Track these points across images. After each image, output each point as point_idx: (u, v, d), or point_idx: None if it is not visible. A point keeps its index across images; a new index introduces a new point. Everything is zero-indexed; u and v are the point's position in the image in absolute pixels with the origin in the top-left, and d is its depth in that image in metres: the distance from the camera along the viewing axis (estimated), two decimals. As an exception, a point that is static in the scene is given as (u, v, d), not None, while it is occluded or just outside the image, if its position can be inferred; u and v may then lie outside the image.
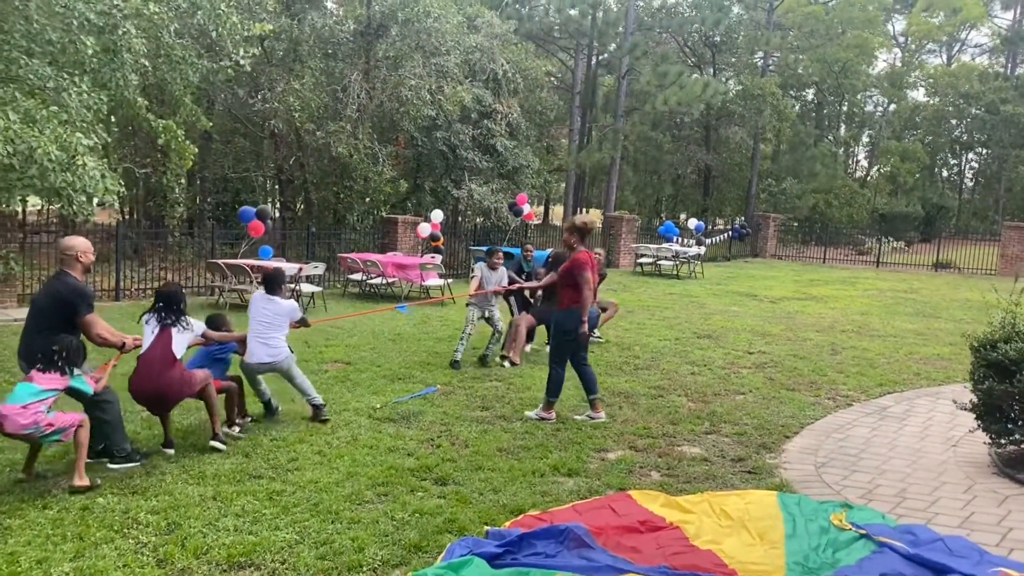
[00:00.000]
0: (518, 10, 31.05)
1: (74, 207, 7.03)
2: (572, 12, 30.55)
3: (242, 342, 6.85)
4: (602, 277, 11.00)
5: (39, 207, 25.37)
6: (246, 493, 5.29)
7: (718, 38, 36.22)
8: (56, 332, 5.45)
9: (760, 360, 10.34)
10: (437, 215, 17.47)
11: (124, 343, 5.89)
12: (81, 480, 5.27)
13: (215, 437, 6.16)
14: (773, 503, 5.03)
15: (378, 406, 7.49)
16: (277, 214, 20.01)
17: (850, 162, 47.32)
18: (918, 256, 28.44)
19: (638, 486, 5.61)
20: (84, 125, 7.58)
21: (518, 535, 4.35)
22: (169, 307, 5.98)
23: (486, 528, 4.69)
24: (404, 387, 8.31)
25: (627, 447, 6.57)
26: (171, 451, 6.04)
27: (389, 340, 10.82)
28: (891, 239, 32.36)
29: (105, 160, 7.81)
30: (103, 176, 7.28)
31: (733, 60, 38.83)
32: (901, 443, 6.84)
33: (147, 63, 9.89)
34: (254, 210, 14.40)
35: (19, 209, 19.85)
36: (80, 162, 6.78)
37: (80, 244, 5.75)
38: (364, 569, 4.31)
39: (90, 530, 4.67)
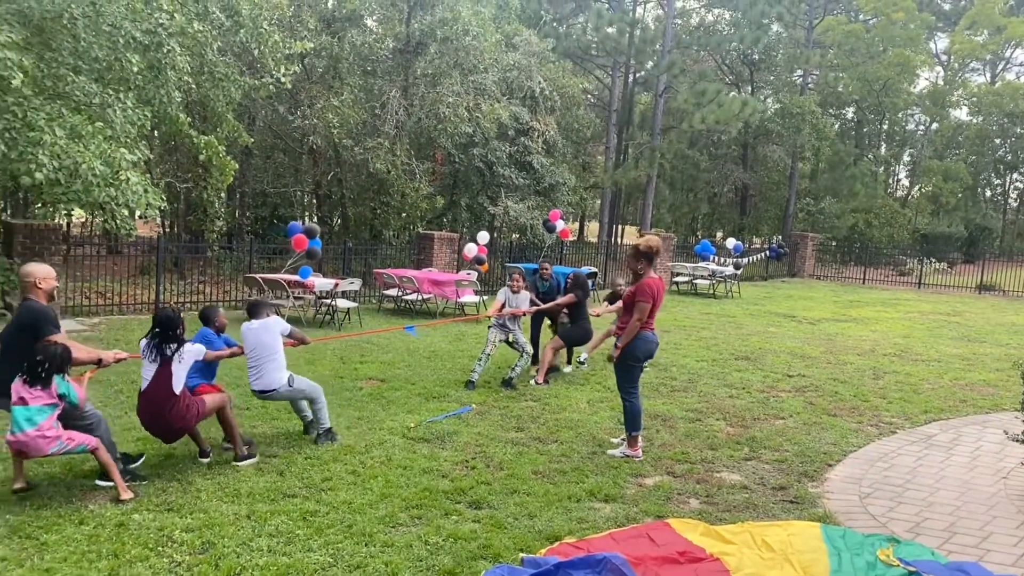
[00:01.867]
0: (556, 28, 31.12)
1: (117, 221, 7.10)
2: (610, 30, 30.51)
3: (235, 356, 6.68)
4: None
5: (83, 219, 25.87)
6: (280, 512, 5.27)
7: (757, 56, 35.96)
8: (25, 359, 5.33)
9: (800, 383, 10.14)
10: (483, 237, 17.40)
11: (100, 359, 5.84)
12: (125, 493, 5.39)
13: (238, 458, 6.17)
14: (817, 535, 4.88)
15: (412, 425, 7.44)
16: (318, 227, 20.10)
17: (891, 181, 46.59)
18: (961, 278, 27.84)
19: (676, 514, 5.49)
20: (128, 141, 7.67)
21: (554, 564, 4.25)
22: (165, 333, 5.81)
23: (521, 555, 4.61)
24: (439, 406, 8.26)
25: (665, 472, 6.45)
26: (206, 460, 6.16)
27: (424, 357, 10.79)
28: (933, 260, 31.74)
29: (148, 175, 7.87)
30: (145, 191, 7.35)
31: (772, 78, 38.54)
32: (949, 474, 6.63)
33: (190, 80, 10.00)
34: (300, 226, 14.50)
35: (63, 222, 20.26)
36: (123, 177, 6.86)
37: (38, 271, 5.65)
38: (398, 595, 4.25)
39: (125, 547, 4.67)
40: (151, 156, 11.12)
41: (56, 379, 5.32)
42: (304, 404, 6.95)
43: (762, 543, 4.77)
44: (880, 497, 5.98)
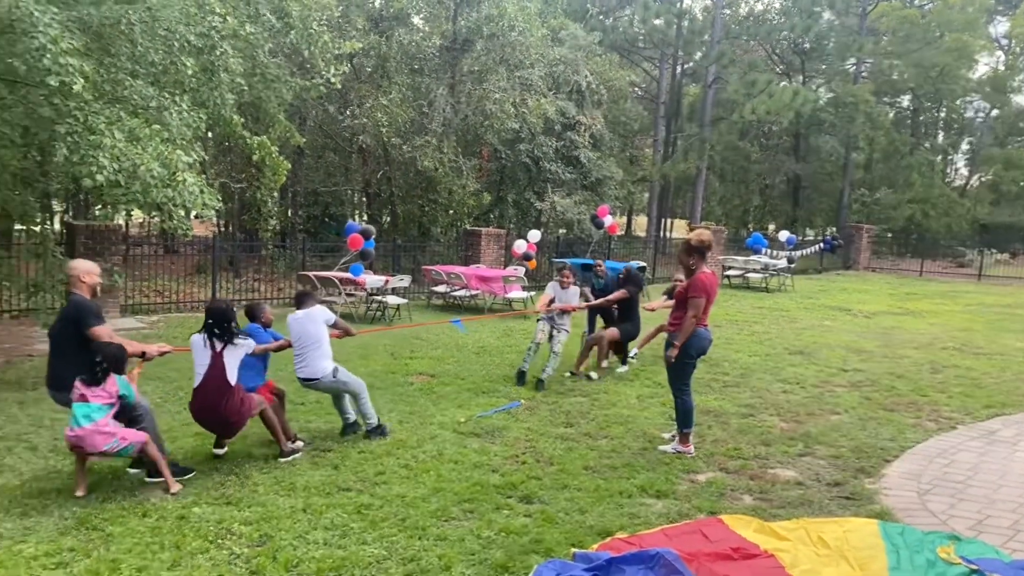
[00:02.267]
0: (602, 21, 30.96)
1: (174, 221, 7.27)
2: (657, 22, 30.25)
3: (282, 349, 6.73)
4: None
5: (140, 220, 26.57)
6: (335, 506, 5.35)
7: (808, 45, 35.25)
8: (75, 354, 5.53)
9: (855, 378, 9.95)
10: (534, 235, 17.39)
11: (144, 352, 5.97)
12: (174, 487, 5.53)
13: (283, 454, 6.26)
14: (874, 532, 4.79)
15: (462, 420, 7.49)
16: (373, 228, 20.34)
17: (948, 171, 45.34)
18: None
19: (729, 510, 5.44)
20: (184, 143, 7.84)
21: (607, 559, 4.25)
22: (219, 324, 5.90)
23: (573, 550, 4.61)
24: (488, 401, 8.30)
25: (717, 469, 6.39)
26: (221, 451, 6.26)
27: (473, 353, 10.84)
28: (994, 251, 30.87)
29: (203, 176, 8.04)
30: (202, 191, 7.50)
31: (824, 67, 37.74)
32: (1013, 470, 6.45)
33: (243, 82, 10.18)
34: (358, 226, 14.72)
35: (123, 222, 20.82)
36: (180, 178, 7.02)
37: (83, 266, 5.86)
38: (451, 588, 4.29)
39: (186, 539, 4.79)
40: (206, 157, 11.33)
41: (117, 379, 5.46)
42: (347, 403, 6.95)
43: (818, 539, 4.71)
44: (940, 494, 5.85)
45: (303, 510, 5.28)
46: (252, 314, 6.76)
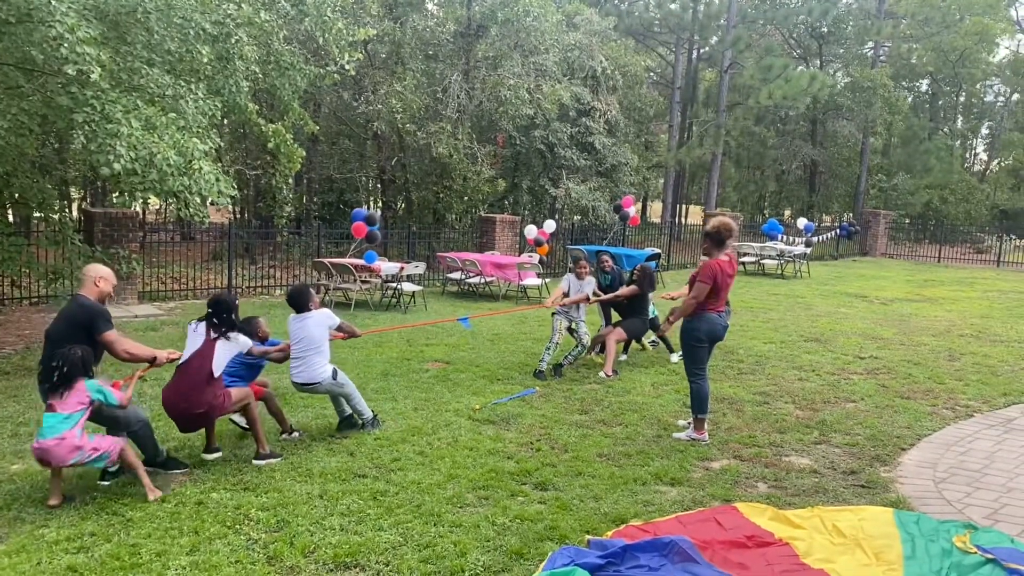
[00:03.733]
0: (617, 6, 30.79)
1: (190, 209, 7.31)
2: (673, 6, 30.08)
3: (287, 355, 6.53)
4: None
5: (157, 207, 26.72)
6: (351, 492, 5.39)
7: (825, 29, 34.91)
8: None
9: (872, 365, 9.90)
10: (550, 225, 17.36)
11: (155, 356, 5.68)
12: (153, 493, 5.27)
13: (258, 456, 5.94)
14: (889, 521, 4.78)
15: (477, 407, 7.52)
16: (379, 213, 20.38)
17: (967, 156, 44.93)
18: (1044, 255, 26.74)
19: (744, 498, 5.45)
20: (200, 131, 7.87)
21: (621, 546, 4.27)
22: (219, 315, 5.76)
23: (588, 537, 4.64)
24: (503, 388, 8.33)
25: (732, 456, 6.39)
26: (213, 456, 6.00)
27: (487, 340, 10.87)
28: (1013, 237, 30.54)
29: (219, 163, 8.07)
30: (217, 179, 7.54)
31: (841, 51, 37.39)
32: (1029, 459, 6.41)
33: (257, 70, 10.19)
34: (364, 212, 14.74)
35: (139, 210, 20.93)
36: (196, 166, 7.05)
37: (100, 270, 5.64)
38: (467, 574, 4.32)
39: (204, 525, 4.84)
40: (221, 145, 11.37)
41: (86, 383, 5.17)
42: (343, 400, 6.81)
43: (832, 528, 4.70)
44: (956, 482, 5.83)
45: (319, 496, 5.33)
46: (247, 331, 6.21)
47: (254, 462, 5.94)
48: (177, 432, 6.13)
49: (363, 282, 13.71)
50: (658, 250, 18.99)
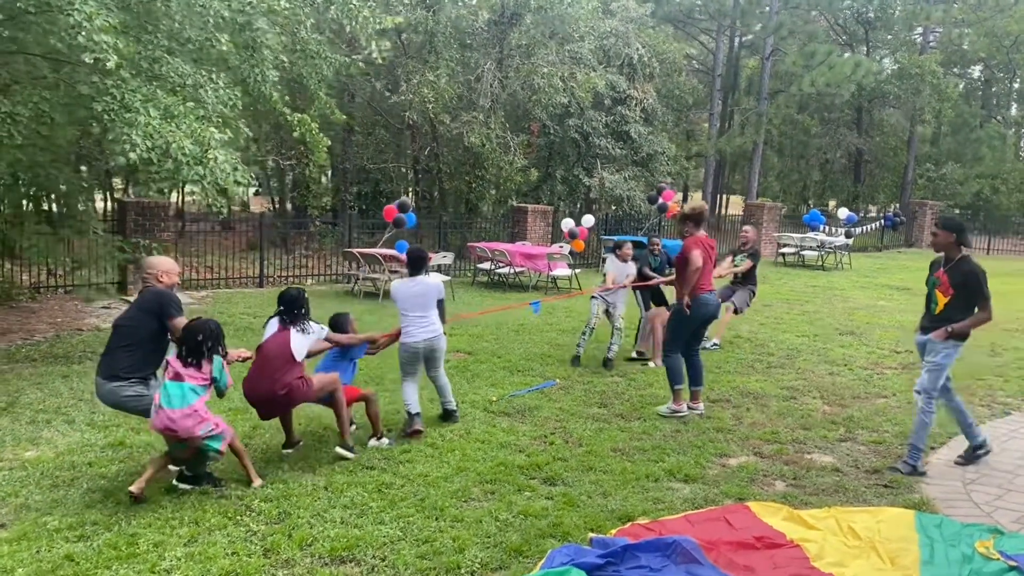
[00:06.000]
0: (656, -8, 30.24)
1: (208, 198, 7.30)
2: (714, -8, 29.53)
3: (371, 342, 6.56)
4: (753, 258, 10.34)
5: (195, 197, 27.06)
6: (356, 484, 5.32)
7: (872, 14, 33.98)
8: (142, 347, 5.29)
9: (907, 360, 9.57)
10: (588, 220, 17.12)
11: (226, 352, 5.50)
12: (256, 480, 5.29)
13: (343, 445, 5.87)
14: (909, 523, 4.57)
15: (495, 399, 7.42)
16: (413, 203, 20.36)
17: (1022, 144, 43.46)
18: (1100, 247, 25.78)
19: (760, 496, 5.26)
20: (219, 120, 7.86)
21: (622, 545, 4.13)
22: (289, 311, 5.74)
23: (591, 535, 4.50)
24: (523, 380, 8.21)
25: (752, 453, 6.19)
26: (289, 451, 5.98)
27: (512, 331, 10.75)
28: (1069, 228, 29.49)
29: (239, 153, 8.04)
30: (235, 168, 7.51)
31: (889, 37, 36.37)
32: (1068, 460, 6.11)
33: (284, 59, 10.18)
34: (399, 201, 14.78)
35: (175, 199, 21.22)
36: (212, 156, 7.02)
37: (163, 264, 5.62)
38: (462, 571, 4.22)
39: (206, 515, 4.81)
40: (250, 133, 11.38)
41: (215, 359, 5.19)
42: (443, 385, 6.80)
43: (848, 530, 4.51)
44: (986, 484, 5.56)
45: (324, 488, 5.27)
46: (338, 326, 6.31)
47: (337, 449, 5.85)
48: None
49: (392, 272, 13.67)
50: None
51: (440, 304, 6.64)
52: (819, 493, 5.37)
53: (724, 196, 38.65)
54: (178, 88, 7.99)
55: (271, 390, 5.56)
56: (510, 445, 6.18)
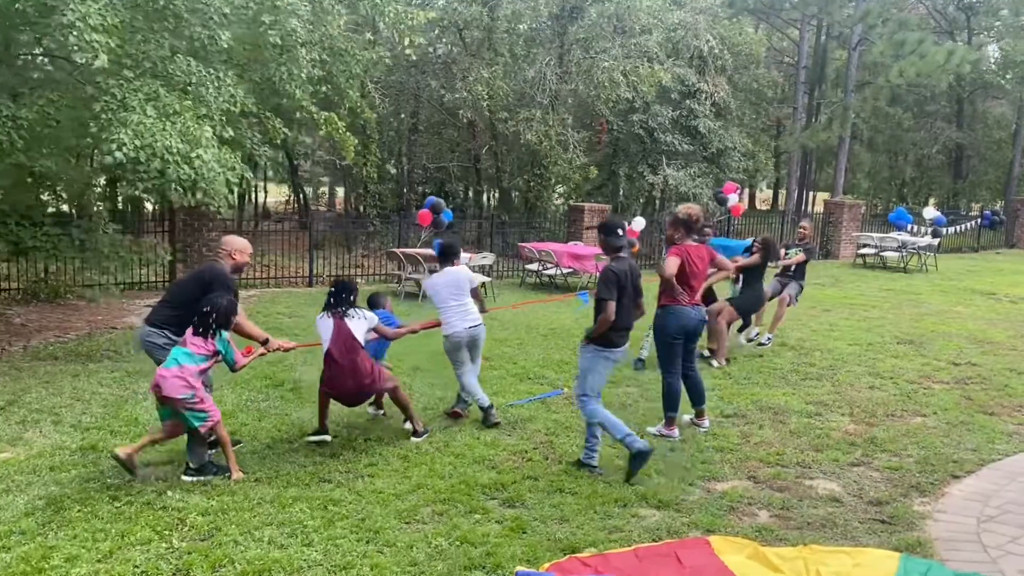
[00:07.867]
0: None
1: (197, 198, 7.17)
2: (797, -19, 28.18)
3: (414, 333, 6.75)
4: (808, 253, 10.28)
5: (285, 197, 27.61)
6: (304, 499, 5.06)
7: (975, -1, 31.90)
8: (181, 308, 5.55)
9: (964, 374, 8.71)
10: (639, 223, 16.56)
11: (268, 339, 5.86)
12: (237, 473, 5.37)
13: (415, 434, 6.19)
14: (890, 569, 3.99)
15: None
16: (473, 204, 20.17)
17: None
18: None
19: (736, 528, 4.73)
20: (222, 119, 7.75)
21: (541, 584, 3.71)
22: (339, 296, 5.96)
23: (517, 569, 4.09)
24: (528, 388, 7.81)
25: (745, 476, 5.63)
26: (328, 437, 6.09)
27: (541, 335, 10.35)
28: None
29: (235, 153, 7.91)
30: (233, 168, 7.39)
31: (996, 24, 34.06)
32: (1117, 496, 5.31)
33: (315, 55, 10.07)
34: (433, 199, 14.56)
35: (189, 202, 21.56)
36: (195, 155, 6.90)
37: (236, 243, 5.88)
38: (368, 604, 3.89)
39: (135, 529, 4.62)
40: (288, 134, 11.35)
41: (220, 334, 5.37)
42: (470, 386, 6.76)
43: (815, 574, 3.95)
44: (1006, 522, 4.85)
45: (270, 502, 5.02)
46: (374, 303, 6.72)
47: (412, 439, 6.15)
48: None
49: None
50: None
51: (475, 292, 6.77)
52: (803, 527, 4.78)
53: (811, 193, 36.99)
54: (188, 87, 7.94)
55: (360, 383, 5.88)
56: (484, 460, 5.81)
